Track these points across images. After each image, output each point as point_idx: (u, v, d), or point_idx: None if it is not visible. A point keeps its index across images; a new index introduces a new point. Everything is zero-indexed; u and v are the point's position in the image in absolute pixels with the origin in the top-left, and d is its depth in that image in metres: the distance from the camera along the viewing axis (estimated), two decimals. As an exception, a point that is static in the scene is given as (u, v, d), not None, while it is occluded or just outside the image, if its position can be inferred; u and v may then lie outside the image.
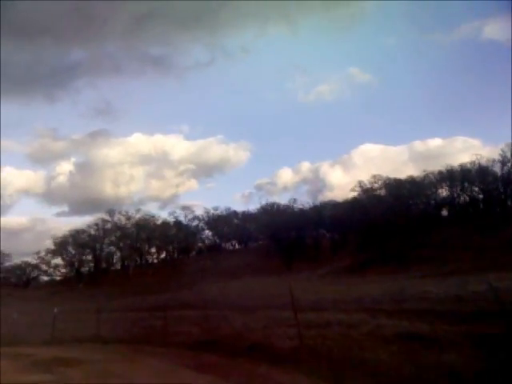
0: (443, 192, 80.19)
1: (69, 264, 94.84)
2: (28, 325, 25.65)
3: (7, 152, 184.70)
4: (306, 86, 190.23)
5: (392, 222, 66.54)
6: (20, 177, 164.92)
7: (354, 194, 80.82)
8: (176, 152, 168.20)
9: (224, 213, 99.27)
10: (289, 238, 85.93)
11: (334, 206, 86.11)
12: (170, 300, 42.52)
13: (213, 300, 36.45)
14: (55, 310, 20.68)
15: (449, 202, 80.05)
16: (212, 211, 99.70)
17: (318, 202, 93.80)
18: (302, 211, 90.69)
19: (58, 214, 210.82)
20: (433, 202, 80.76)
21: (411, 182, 76.80)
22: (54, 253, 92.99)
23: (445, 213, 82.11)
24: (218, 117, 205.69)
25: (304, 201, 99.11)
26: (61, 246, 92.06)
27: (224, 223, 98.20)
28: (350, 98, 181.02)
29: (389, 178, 77.82)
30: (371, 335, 12.92)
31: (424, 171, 78.74)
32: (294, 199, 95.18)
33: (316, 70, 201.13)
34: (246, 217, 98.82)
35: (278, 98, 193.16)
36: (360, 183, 79.55)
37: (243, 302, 30.82)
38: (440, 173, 77.76)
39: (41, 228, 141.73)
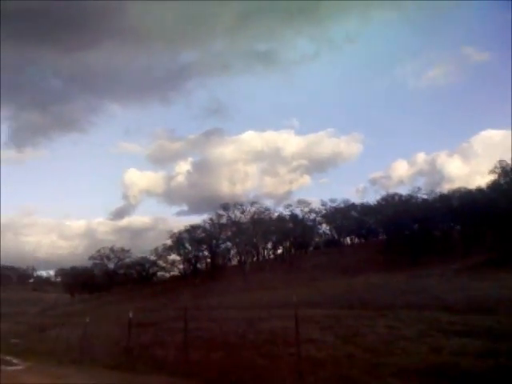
0: None
1: (185, 260, 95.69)
2: (110, 332, 21.93)
3: (130, 155, 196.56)
4: (417, 71, 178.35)
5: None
6: (142, 178, 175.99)
7: (493, 176, 70.59)
8: (288, 148, 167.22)
9: (342, 205, 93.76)
10: (413, 231, 78.57)
11: (465, 193, 76.61)
12: (289, 297, 39.16)
13: (337, 298, 32.31)
14: (130, 315, 16.26)
15: None
16: (329, 204, 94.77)
17: (445, 191, 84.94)
18: (426, 201, 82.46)
19: (178, 213, 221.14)
20: None
21: None
22: (171, 249, 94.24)
23: None
24: (327, 109, 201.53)
25: (428, 189, 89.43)
26: (177, 242, 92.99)
27: (342, 216, 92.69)
28: (465, 80, 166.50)
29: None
30: None
31: None
32: (418, 188, 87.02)
33: (426, 53, 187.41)
34: (365, 209, 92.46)
35: (388, 86, 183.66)
36: (501, 163, 68.79)
37: (373, 300, 26.39)
38: None
39: (162, 227, 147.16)
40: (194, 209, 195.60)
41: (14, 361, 17.87)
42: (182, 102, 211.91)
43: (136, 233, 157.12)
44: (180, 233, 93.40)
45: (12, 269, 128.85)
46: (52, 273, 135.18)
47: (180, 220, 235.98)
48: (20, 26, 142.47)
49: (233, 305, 36.17)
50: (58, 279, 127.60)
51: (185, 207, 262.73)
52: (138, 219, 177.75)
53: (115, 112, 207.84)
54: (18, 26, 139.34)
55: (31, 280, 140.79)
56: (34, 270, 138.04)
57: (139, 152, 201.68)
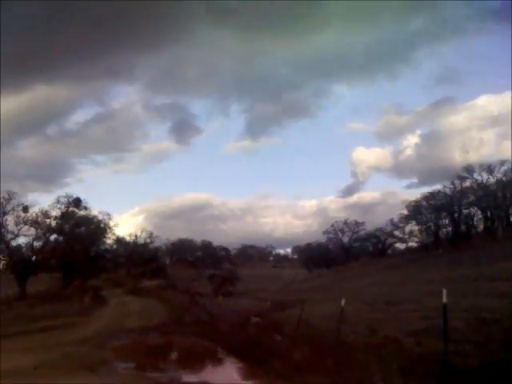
0: None
1: (424, 229, 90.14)
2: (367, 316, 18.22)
3: (357, 133, 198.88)
4: None
5: None
6: (370, 154, 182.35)
7: None
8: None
9: None
10: None
11: None
12: None
13: None
14: (342, 303, 12.79)
15: None
16: None
17: None
18: None
19: (408, 186, 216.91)
20: None
21: None
22: (408, 218, 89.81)
23: None
24: None
25: None
26: (414, 210, 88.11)
27: None
28: None
29: None
30: None
31: None
32: None
33: None
34: None
35: None
36: None
37: None
38: None
39: (392, 201, 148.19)
40: (425, 180, 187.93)
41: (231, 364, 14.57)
42: (409, 74, 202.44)
43: (366, 208, 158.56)
44: (417, 201, 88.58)
45: (253, 247, 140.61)
46: (289, 250, 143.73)
47: (410, 193, 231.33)
48: (245, 19, 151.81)
49: (495, 276, 31.21)
50: (295, 256, 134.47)
51: (414, 180, 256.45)
52: (367, 195, 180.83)
53: (342, 93, 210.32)
54: (242, 20, 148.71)
55: (271, 258, 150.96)
56: (272, 248, 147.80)
57: (366, 129, 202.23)
